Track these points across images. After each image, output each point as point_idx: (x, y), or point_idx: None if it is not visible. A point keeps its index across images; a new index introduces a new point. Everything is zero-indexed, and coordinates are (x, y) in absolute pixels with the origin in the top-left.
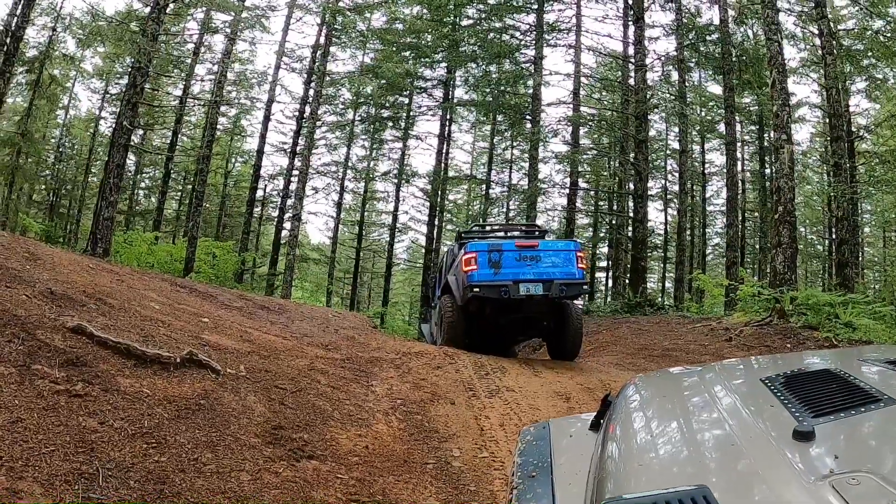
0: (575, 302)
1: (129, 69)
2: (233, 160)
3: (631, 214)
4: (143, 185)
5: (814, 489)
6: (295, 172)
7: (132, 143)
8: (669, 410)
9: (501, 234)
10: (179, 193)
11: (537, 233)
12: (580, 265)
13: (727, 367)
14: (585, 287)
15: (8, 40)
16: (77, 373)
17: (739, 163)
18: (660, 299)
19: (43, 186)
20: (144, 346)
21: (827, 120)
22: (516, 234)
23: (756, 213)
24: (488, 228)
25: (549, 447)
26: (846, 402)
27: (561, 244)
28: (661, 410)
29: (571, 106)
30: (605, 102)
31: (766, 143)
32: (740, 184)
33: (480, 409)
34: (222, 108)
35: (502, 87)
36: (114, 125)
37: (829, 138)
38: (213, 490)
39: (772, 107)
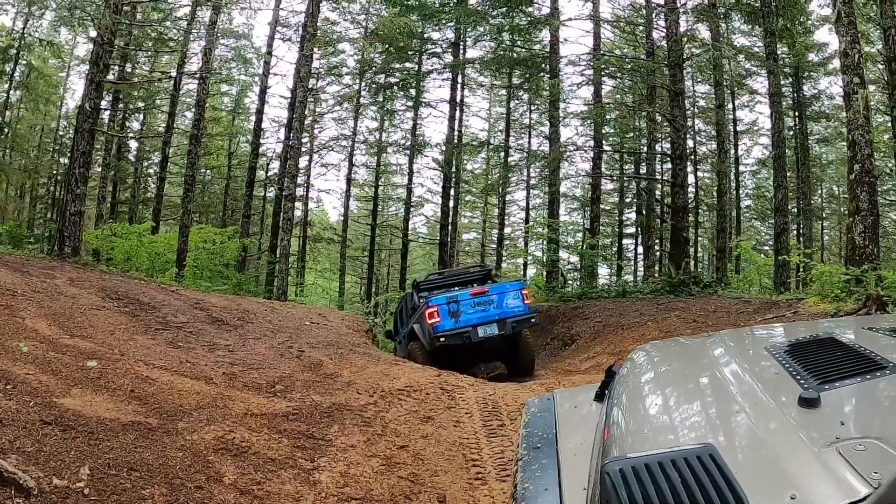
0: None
1: (92, 46)
2: (236, 141)
3: (662, 177)
4: (150, 171)
5: (820, 455)
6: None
7: (125, 128)
8: (674, 378)
9: (455, 277)
10: (183, 178)
11: (485, 274)
12: (526, 301)
13: (732, 335)
14: (533, 319)
15: None
16: None
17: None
18: (705, 275)
19: (45, 180)
20: None
21: (883, 66)
22: (467, 277)
23: (791, 173)
24: (441, 276)
25: (554, 419)
26: (852, 370)
27: (508, 285)
28: (666, 378)
29: (592, 63)
30: (628, 58)
31: (799, 98)
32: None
33: None
34: (223, 88)
35: (515, 38)
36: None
37: (888, 84)
38: None
39: (839, 46)
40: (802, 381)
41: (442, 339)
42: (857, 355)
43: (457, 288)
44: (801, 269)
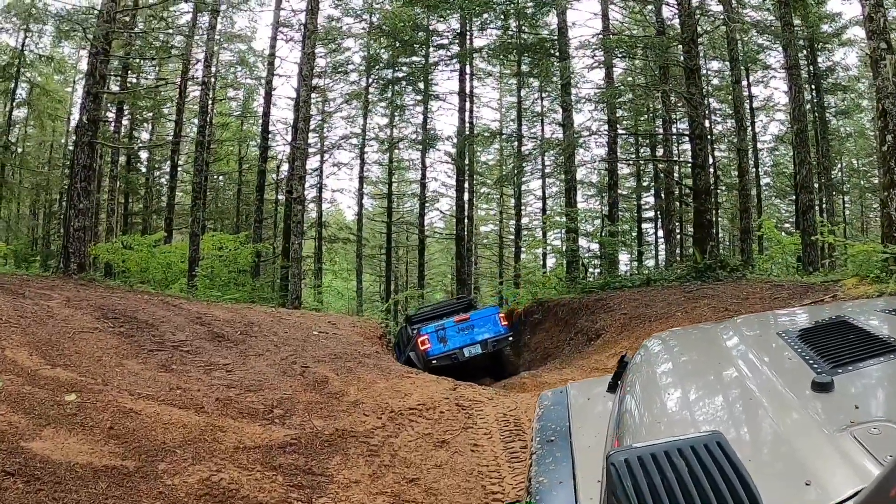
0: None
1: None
2: (246, 145)
3: (679, 158)
4: (161, 181)
5: (834, 439)
6: (299, 146)
7: (134, 139)
8: (686, 366)
9: (442, 309)
10: (192, 186)
11: (467, 304)
12: (503, 323)
13: (743, 321)
14: (510, 338)
15: None
16: None
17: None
18: (731, 259)
19: (56, 196)
20: None
21: None
22: (452, 308)
23: (813, 149)
24: (429, 308)
25: (568, 411)
26: (865, 353)
27: (486, 312)
28: (678, 366)
29: (602, 48)
30: (640, 38)
31: (815, 70)
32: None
33: None
34: (230, 93)
35: (522, 24)
36: (77, 122)
37: None
38: None
39: (863, 10)
40: (815, 366)
41: (434, 362)
42: (871, 338)
43: (444, 317)
44: (828, 249)
